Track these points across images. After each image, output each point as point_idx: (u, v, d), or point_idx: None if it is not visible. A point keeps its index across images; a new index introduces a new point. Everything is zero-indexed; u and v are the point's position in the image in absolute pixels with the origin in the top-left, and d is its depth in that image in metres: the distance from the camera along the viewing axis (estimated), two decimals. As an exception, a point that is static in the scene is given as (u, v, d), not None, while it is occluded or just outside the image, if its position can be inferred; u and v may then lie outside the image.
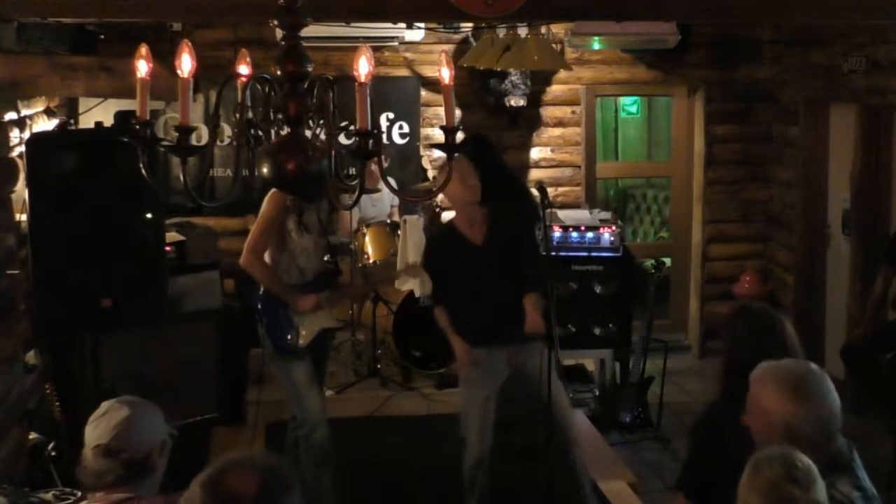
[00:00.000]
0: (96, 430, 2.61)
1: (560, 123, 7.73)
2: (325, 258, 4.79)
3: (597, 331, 6.46)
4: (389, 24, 6.43)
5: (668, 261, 7.36)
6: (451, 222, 4.79)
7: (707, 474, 3.03)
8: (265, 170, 2.23)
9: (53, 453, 4.40)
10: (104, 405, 2.66)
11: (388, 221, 6.57)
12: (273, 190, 4.40)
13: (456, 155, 4.57)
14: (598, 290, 6.43)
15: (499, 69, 7.04)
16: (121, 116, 5.65)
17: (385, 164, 6.37)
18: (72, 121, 5.83)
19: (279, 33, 5.47)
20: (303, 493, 2.07)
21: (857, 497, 2.50)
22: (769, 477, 2.23)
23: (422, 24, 6.46)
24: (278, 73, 2.22)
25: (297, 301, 4.57)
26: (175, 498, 2.48)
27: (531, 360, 4.54)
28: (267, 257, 4.59)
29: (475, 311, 4.60)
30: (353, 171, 2.59)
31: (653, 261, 6.80)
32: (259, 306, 4.65)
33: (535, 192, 5.10)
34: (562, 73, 7.58)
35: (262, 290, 4.63)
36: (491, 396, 4.66)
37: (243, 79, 2.29)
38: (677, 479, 3.27)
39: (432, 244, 4.95)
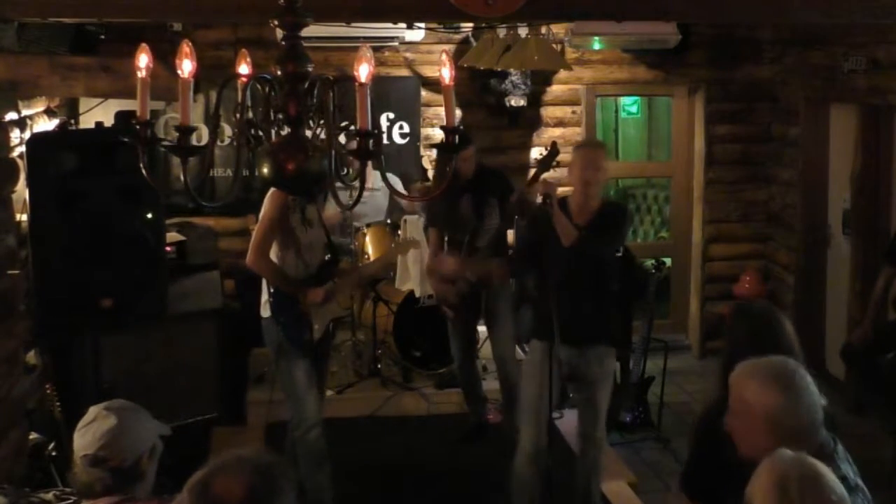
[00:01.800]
0: (83, 439, 2.57)
1: (560, 123, 7.73)
2: (326, 257, 4.80)
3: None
4: (389, 24, 6.42)
5: (668, 261, 7.35)
6: (566, 201, 4.65)
7: (707, 474, 3.03)
8: (265, 170, 2.23)
9: (53, 453, 4.40)
10: (92, 411, 2.61)
11: (388, 221, 6.55)
12: (273, 189, 4.40)
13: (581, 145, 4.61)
14: (598, 289, 6.41)
15: (499, 69, 7.04)
16: (121, 116, 5.65)
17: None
18: (72, 121, 5.83)
19: (279, 33, 5.46)
20: (301, 494, 2.07)
21: None
22: None
23: (422, 24, 6.45)
24: (278, 73, 2.22)
25: (308, 295, 4.58)
26: (169, 501, 2.48)
27: (590, 367, 4.52)
28: (273, 255, 4.59)
29: (548, 301, 4.52)
30: (351, 171, 2.59)
31: (653, 261, 6.79)
32: (272, 303, 4.62)
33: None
34: (562, 73, 7.57)
35: (272, 290, 4.62)
36: (543, 393, 4.48)
37: (243, 79, 2.29)
38: (679, 480, 3.28)
39: (539, 215, 4.67)
